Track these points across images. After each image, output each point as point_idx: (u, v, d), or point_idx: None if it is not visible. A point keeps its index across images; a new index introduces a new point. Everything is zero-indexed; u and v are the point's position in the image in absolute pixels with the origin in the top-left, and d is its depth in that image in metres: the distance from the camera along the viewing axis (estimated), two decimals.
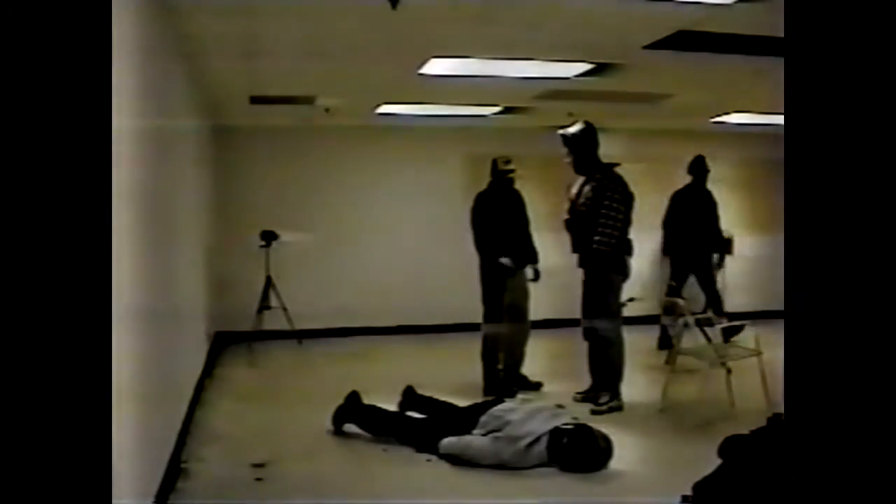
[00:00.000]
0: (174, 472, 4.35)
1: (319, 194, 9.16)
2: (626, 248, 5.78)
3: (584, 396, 5.99)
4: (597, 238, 5.64)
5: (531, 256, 6.48)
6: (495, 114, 8.23)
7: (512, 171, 6.40)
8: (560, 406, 5.13)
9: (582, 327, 5.95)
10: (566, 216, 5.96)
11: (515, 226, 6.44)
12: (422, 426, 5.05)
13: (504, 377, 6.37)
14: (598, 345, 5.86)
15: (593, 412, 5.67)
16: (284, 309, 8.38)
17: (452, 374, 6.79)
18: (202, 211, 6.93)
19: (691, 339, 6.18)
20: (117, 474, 2.29)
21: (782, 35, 1.91)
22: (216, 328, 8.24)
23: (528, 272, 6.48)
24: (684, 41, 4.86)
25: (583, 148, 5.80)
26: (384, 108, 7.79)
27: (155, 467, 3.85)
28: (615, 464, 4.55)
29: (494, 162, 6.45)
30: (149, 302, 3.56)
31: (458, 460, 4.62)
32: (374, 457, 4.86)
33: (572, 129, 5.83)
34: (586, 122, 5.84)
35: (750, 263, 9.74)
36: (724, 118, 8.60)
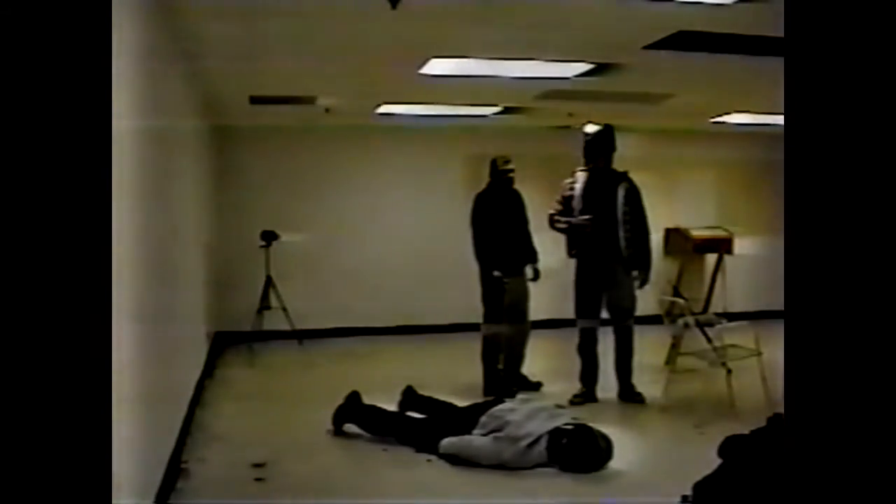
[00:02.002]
0: (174, 472, 4.34)
1: (319, 194, 9.17)
2: None
3: (584, 399, 6.01)
4: (641, 241, 5.97)
5: (531, 256, 6.48)
6: (495, 114, 8.23)
7: (511, 170, 6.40)
8: (560, 406, 5.14)
9: (619, 325, 6.09)
10: (577, 216, 5.97)
11: (515, 226, 6.44)
12: (422, 426, 5.05)
13: (504, 377, 6.37)
14: (622, 341, 6.09)
15: (638, 400, 5.97)
16: (284, 309, 8.38)
17: (452, 374, 6.79)
18: (202, 211, 6.93)
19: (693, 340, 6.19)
20: (117, 474, 2.29)
21: (782, 35, 1.91)
22: (216, 328, 8.23)
23: (528, 272, 6.49)
24: (684, 41, 4.86)
25: (609, 149, 5.99)
26: (384, 108, 7.79)
27: (155, 467, 3.85)
28: (615, 464, 4.55)
29: (494, 162, 6.45)
30: (149, 302, 3.56)
31: (458, 460, 4.62)
32: (374, 457, 4.86)
33: (594, 128, 5.95)
34: (606, 125, 5.98)
35: (750, 263, 9.73)
36: (724, 118, 8.60)
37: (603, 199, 5.93)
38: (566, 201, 6.07)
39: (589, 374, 6.09)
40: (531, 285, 6.54)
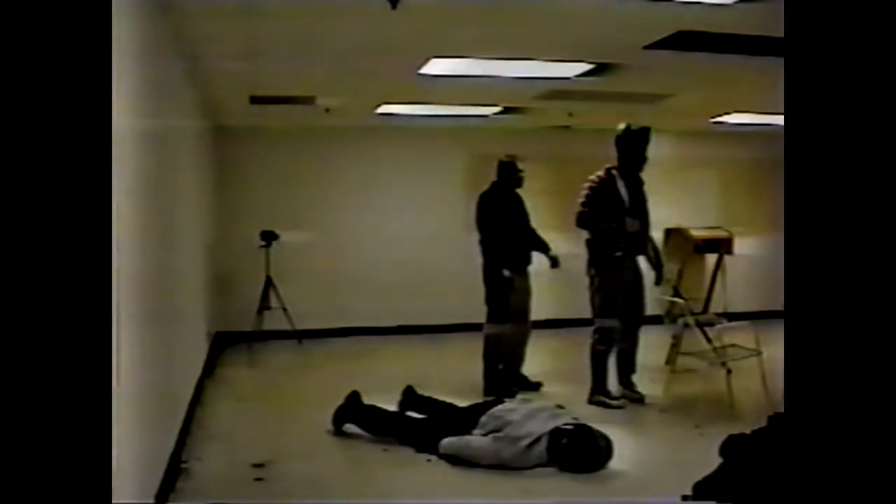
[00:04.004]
0: (174, 472, 4.34)
1: (319, 194, 9.16)
2: None
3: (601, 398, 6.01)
4: (653, 241, 6.13)
5: (542, 248, 6.51)
6: (495, 114, 8.23)
7: (522, 171, 6.43)
8: (560, 406, 5.13)
9: (632, 325, 6.07)
10: (626, 216, 5.96)
11: (520, 226, 6.45)
12: (422, 426, 5.05)
13: (504, 377, 6.37)
14: (635, 339, 6.14)
15: (637, 399, 6.00)
16: (284, 309, 8.38)
17: (452, 374, 6.79)
18: (202, 211, 6.93)
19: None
20: (117, 474, 2.29)
21: (782, 35, 1.91)
22: (216, 328, 8.23)
23: (546, 260, 6.50)
24: (684, 41, 4.86)
25: (645, 152, 6.00)
26: (384, 108, 7.78)
27: (155, 467, 3.85)
28: (615, 464, 4.55)
29: (507, 164, 6.43)
30: (149, 302, 3.56)
31: (458, 460, 4.62)
32: (374, 457, 4.86)
33: (636, 129, 5.97)
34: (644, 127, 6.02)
35: (750, 263, 9.73)
36: (724, 118, 8.60)
37: (640, 201, 6.02)
38: (614, 201, 5.91)
39: (605, 377, 6.05)
40: (533, 285, 6.54)
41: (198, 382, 6.23)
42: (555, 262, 6.53)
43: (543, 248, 6.55)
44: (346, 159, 9.26)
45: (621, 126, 6.00)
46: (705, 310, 7.49)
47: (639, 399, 6.03)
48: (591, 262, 5.97)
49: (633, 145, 5.95)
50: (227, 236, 8.50)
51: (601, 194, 5.90)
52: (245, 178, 8.88)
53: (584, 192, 5.95)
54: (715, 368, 5.91)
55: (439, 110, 7.95)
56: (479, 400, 5.36)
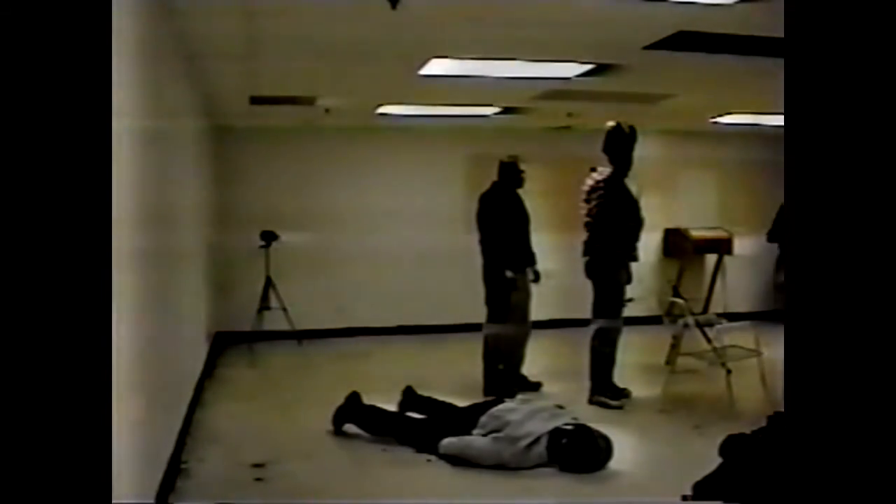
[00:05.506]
0: (174, 472, 4.35)
1: (319, 194, 9.16)
2: None
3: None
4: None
5: (531, 258, 6.50)
6: (495, 114, 8.23)
7: (524, 171, 6.43)
8: (560, 406, 5.14)
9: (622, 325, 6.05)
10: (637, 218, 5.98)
11: (521, 226, 6.46)
12: (422, 426, 5.05)
13: (504, 377, 6.37)
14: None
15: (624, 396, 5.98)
16: (284, 309, 8.38)
17: (452, 374, 6.79)
18: (202, 211, 6.93)
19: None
20: (117, 474, 2.29)
21: (782, 35, 1.91)
22: (216, 328, 8.24)
23: (529, 273, 6.50)
24: (684, 41, 4.86)
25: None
26: (384, 109, 7.79)
27: (155, 467, 3.85)
28: (615, 464, 4.55)
29: (509, 164, 6.43)
30: (149, 302, 3.56)
31: (458, 460, 4.62)
32: (374, 457, 4.86)
33: (615, 127, 5.92)
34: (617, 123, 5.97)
35: (750, 263, 9.74)
36: (724, 118, 8.60)
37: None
38: (627, 201, 5.89)
39: (607, 377, 6.05)
40: (532, 286, 6.54)
41: (198, 382, 6.23)
42: (537, 277, 6.53)
43: (532, 258, 6.53)
44: (346, 159, 9.26)
45: (610, 124, 5.94)
46: (705, 310, 7.50)
47: (626, 395, 6.02)
48: (605, 263, 5.90)
49: (626, 145, 5.90)
50: (227, 236, 8.50)
51: (614, 195, 5.85)
52: (245, 178, 8.87)
53: (596, 194, 5.85)
54: (715, 368, 5.92)
55: (439, 110, 7.95)
56: (479, 400, 5.36)
